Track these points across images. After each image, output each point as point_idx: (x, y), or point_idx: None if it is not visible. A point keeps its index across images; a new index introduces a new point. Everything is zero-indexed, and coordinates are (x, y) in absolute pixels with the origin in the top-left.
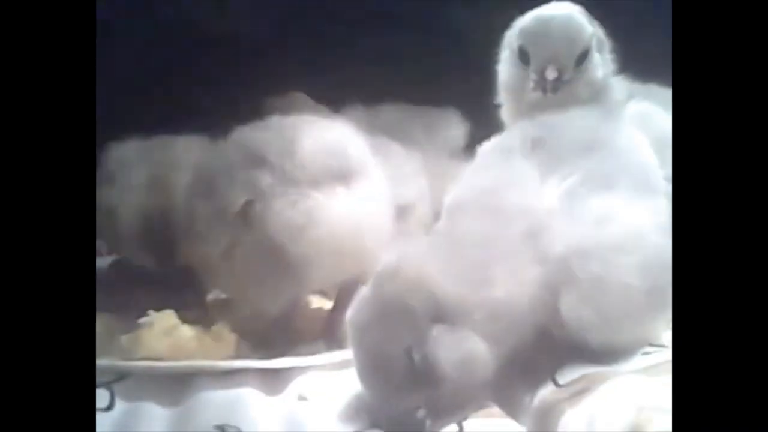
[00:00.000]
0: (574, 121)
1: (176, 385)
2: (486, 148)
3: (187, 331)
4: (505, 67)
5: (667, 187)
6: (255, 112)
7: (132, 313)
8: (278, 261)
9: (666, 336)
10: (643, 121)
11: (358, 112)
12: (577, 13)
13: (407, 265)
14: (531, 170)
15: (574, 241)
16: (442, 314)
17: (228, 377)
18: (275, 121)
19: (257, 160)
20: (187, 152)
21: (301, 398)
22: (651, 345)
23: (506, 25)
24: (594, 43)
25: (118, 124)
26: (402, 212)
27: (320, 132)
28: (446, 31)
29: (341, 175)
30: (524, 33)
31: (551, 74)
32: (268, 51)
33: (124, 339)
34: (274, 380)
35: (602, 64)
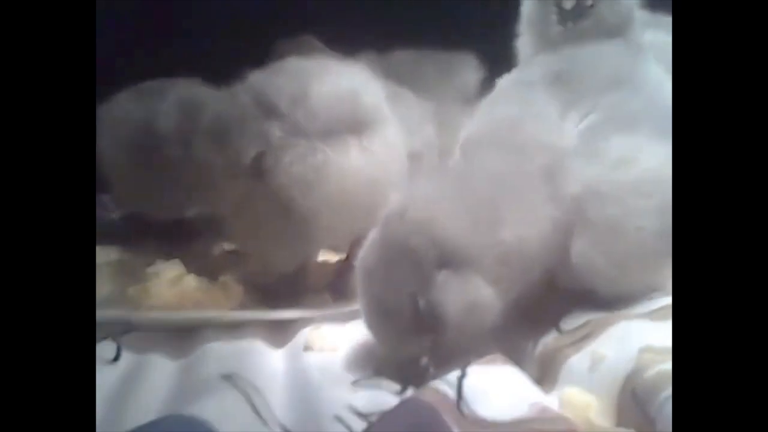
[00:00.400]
0: (598, 56)
1: (183, 336)
2: (505, 80)
3: (193, 281)
4: (525, 4)
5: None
6: (264, 55)
7: (140, 263)
8: (289, 215)
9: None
10: (661, 53)
11: (370, 57)
12: None
13: (414, 207)
14: (551, 105)
15: (591, 181)
16: (448, 259)
17: (234, 328)
18: (289, 64)
19: (269, 109)
20: (190, 97)
21: (307, 348)
22: (656, 290)
23: None
24: None
25: (119, 71)
26: (410, 160)
27: (334, 78)
28: None
29: (354, 125)
30: None
31: (568, 3)
32: None
33: (132, 290)
34: (280, 331)
35: None
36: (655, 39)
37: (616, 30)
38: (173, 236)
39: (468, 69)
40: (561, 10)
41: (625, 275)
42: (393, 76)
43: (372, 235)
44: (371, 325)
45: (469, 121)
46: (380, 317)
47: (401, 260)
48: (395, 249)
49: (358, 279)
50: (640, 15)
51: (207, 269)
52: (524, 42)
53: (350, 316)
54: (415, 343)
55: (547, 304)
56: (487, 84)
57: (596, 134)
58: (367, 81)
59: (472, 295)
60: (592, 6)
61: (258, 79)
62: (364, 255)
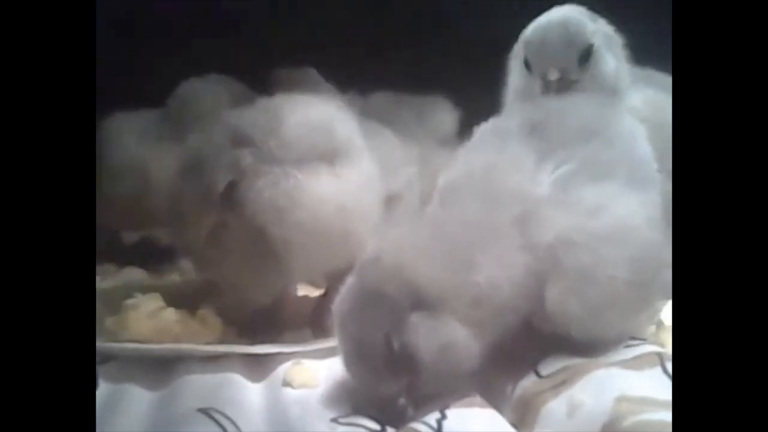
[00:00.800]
0: (574, 107)
1: (161, 368)
2: (484, 128)
3: (172, 315)
4: (513, 76)
5: (662, 182)
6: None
7: (119, 296)
8: (262, 245)
9: (649, 330)
10: (648, 109)
11: (352, 97)
12: (577, 13)
13: (387, 254)
14: (527, 154)
15: (564, 229)
16: (421, 301)
17: (213, 362)
18: (261, 102)
19: (242, 140)
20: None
21: (286, 384)
22: (633, 338)
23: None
24: (598, 40)
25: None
26: (390, 201)
27: (305, 110)
28: (440, 21)
29: (326, 154)
30: (525, 43)
31: (553, 75)
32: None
33: (110, 321)
34: (258, 366)
35: (613, 58)
36: (645, 96)
37: (606, 93)
38: (150, 266)
39: (443, 112)
40: (546, 81)
41: (599, 323)
42: (372, 115)
43: (348, 282)
44: (348, 366)
45: (448, 167)
46: (356, 359)
47: (375, 304)
48: (369, 294)
49: (335, 322)
50: (628, 75)
51: (186, 302)
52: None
53: (329, 353)
54: (392, 384)
55: (525, 348)
56: (464, 128)
57: (570, 184)
58: (339, 113)
59: (445, 336)
60: (576, 82)
61: (233, 116)
62: (340, 299)
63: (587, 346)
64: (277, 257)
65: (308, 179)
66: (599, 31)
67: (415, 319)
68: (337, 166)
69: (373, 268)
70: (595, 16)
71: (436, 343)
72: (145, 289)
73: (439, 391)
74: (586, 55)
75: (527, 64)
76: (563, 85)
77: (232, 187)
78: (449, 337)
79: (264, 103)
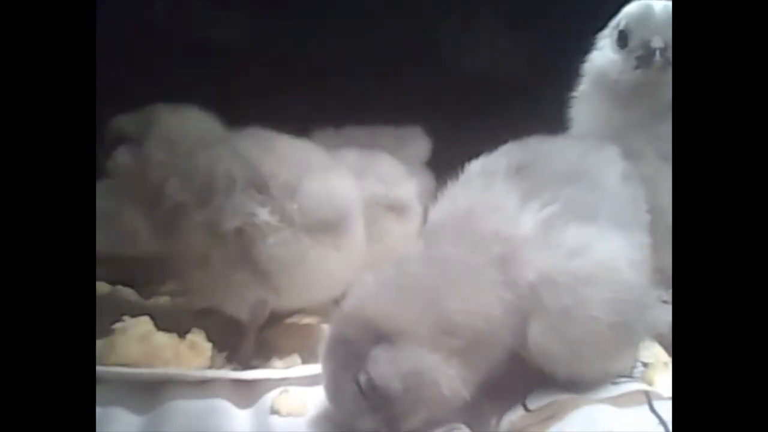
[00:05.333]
0: (563, 150)
1: (148, 392)
2: (472, 168)
3: (161, 338)
4: (601, 55)
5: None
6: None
7: (108, 319)
8: (254, 281)
9: (635, 368)
10: None
11: (328, 133)
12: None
13: (348, 299)
14: (511, 195)
15: (545, 269)
16: (381, 336)
17: (200, 387)
18: (280, 148)
19: (259, 186)
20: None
21: (274, 412)
22: (621, 376)
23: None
24: None
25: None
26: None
27: (324, 176)
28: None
29: (333, 225)
30: (628, 16)
31: (657, 43)
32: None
33: (98, 344)
34: (246, 392)
35: None
36: None
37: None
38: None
39: (418, 140)
40: (647, 52)
41: (581, 362)
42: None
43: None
44: (330, 402)
45: (433, 207)
46: (333, 404)
47: (339, 349)
48: (333, 341)
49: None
50: None
51: (176, 326)
52: (584, 99)
53: (317, 380)
54: (369, 420)
55: (513, 381)
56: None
57: (553, 225)
58: (351, 181)
59: (410, 363)
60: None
61: (254, 148)
62: (320, 349)
63: (572, 383)
64: (263, 289)
65: (314, 246)
66: None
67: (376, 352)
68: (338, 237)
69: (337, 316)
70: None
71: (399, 371)
72: (135, 312)
73: (422, 422)
74: None
75: (622, 39)
76: (665, 59)
77: (241, 228)
78: (414, 364)
79: (284, 151)
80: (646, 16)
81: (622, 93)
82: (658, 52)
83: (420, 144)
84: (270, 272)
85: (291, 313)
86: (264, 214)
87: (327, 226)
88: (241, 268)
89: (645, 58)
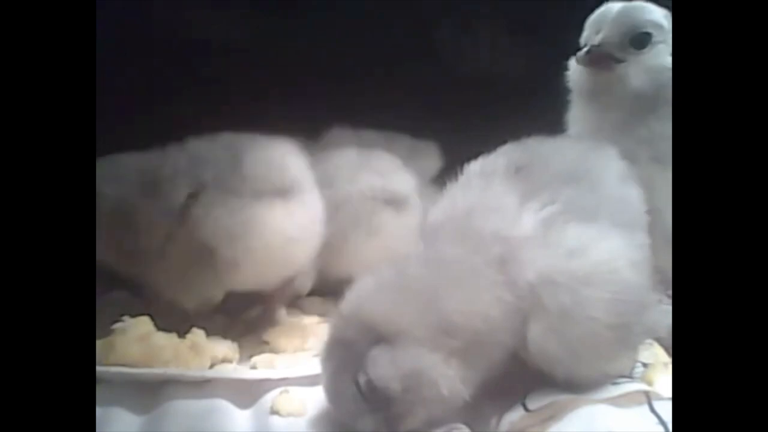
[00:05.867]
0: (562, 150)
1: (148, 392)
2: (472, 168)
3: (161, 338)
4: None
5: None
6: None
7: (107, 319)
8: (208, 261)
9: (635, 369)
10: None
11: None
12: (653, 6)
13: (347, 303)
14: (510, 196)
15: (545, 269)
16: (380, 337)
17: (201, 387)
18: (224, 138)
19: (202, 167)
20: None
21: (274, 413)
22: (621, 376)
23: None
24: (660, 33)
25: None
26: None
27: (263, 149)
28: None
29: (280, 190)
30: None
31: (592, 40)
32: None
33: (97, 344)
34: (246, 392)
35: (667, 55)
36: None
37: (645, 89)
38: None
39: (431, 156)
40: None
41: (580, 362)
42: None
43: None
44: (330, 403)
45: (433, 207)
46: (333, 405)
47: (338, 352)
48: (332, 344)
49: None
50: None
51: (175, 326)
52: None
53: (317, 380)
54: (369, 420)
55: (513, 381)
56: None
57: (553, 225)
58: (294, 152)
59: (408, 363)
60: (620, 61)
61: (196, 144)
62: (319, 352)
63: (571, 383)
64: (219, 271)
65: (263, 211)
66: (664, 25)
67: (375, 353)
68: (288, 200)
69: (336, 317)
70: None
71: (398, 372)
72: (135, 312)
73: (422, 423)
74: (640, 39)
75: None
76: (599, 56)
77: (189, 200)
78: (413, 364)
79: (224, 139)
80: (596, 17)
81: (583, 95)
82: (586, 48)
83: (432, 161)
84: (220, 245)
85: (271, 294)
86: (209, 185)
87: (276, 191)
88: (194, 254)
89: (578, 56)
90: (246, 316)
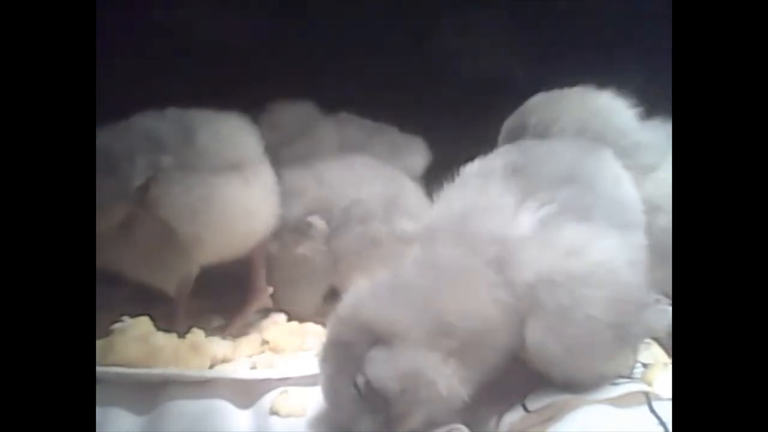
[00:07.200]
0: (558, 151)
1: (148, 392)
2: (468, 169)
3: (161, 339)
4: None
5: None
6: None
7: (106, 319)
8: (170, 239)
9: (634, 369)
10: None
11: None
12: None
13: (344, 305)
14: (507, 196)
15: (543, 269)
16: (378, 338)
17: (201, 387)
18: (174, 112)
19: (158, 145)
20: None
21: (274, 413)
22: (620, 376)
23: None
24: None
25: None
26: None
27: (216, 124)
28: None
29: (237, 162)
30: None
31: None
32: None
33: (98, 344)
34: (246, 392)
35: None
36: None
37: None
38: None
39: (417, 151)
40: None
41: (577, 362)
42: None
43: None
44: (329, 405)
45: (430, 209)
46: (332, 406)
47: (337, 354)
48: (331, 345)
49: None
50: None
51: (175, 326)
52: None
53: (317, 380)
54: (369, 421)
55: (512, 381)
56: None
57: (551, 225)
58: (247, 127)
59: (406, 363)
60: None
61: (146, 120)
62: (318, 353)
63: (570, 384)
64: (182, 248)
65: (221, 186)
66: None
67: (373, 353)
68: (243, 172)
69: (333, 319)
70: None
71: (396, 373)
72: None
73: (421, 423)
74: None
75: None
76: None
77: (148, 183)
78: (411, 365)
79: (174, 114)
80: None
81: None
82: None
83: (418, 157)
84: (182, 222)
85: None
86: (166, 163)
87: (231, 164)
88: (155, 233)
89: None
90: (245, 317)
